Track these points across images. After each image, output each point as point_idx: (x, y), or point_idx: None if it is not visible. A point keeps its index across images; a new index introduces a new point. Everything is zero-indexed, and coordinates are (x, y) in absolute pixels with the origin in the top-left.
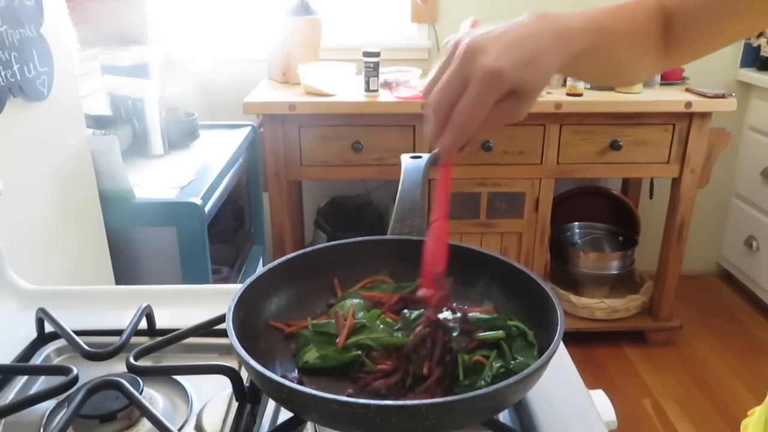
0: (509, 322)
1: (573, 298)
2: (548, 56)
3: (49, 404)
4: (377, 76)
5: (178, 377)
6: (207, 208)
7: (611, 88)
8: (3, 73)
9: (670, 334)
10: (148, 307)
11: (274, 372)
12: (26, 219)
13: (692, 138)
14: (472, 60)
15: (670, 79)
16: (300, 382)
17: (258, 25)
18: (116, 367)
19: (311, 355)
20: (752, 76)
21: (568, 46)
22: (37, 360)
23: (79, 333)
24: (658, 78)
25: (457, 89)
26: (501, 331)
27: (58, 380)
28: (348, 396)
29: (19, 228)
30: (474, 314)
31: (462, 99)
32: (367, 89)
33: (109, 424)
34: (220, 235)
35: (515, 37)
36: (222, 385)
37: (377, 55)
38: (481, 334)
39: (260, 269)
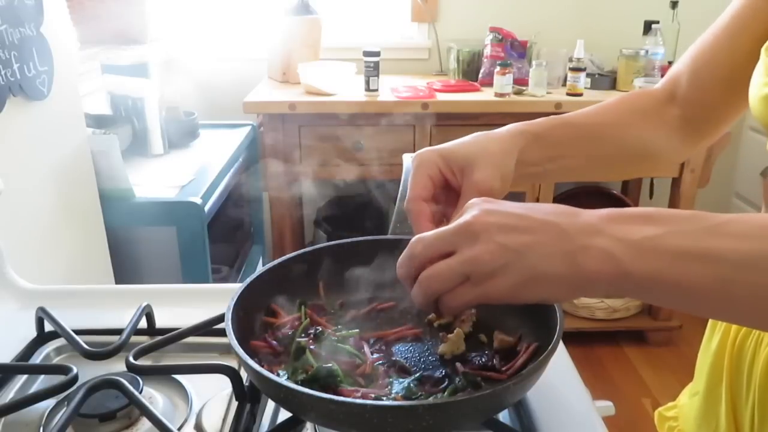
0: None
1: None
2: (554, 288)
3: (48, 403)
4: (377, 75)
5: (177, 376)
6: (207, 208)
7: (612, 88)
8: (3, 72)
9: (670, 334)
10: (148, 306)
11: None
12: (26, 218)
13: None
14: (470, 246)
15: None
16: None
17: (258, 25)
18: (116, 367)
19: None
20: None
21: (585, 284)
22: (37, 359)
23: (78, 332)
24: (658, 77)
25: (443, 254)
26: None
27: (57, 379)
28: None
29: (19, 227)
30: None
31: (440, 266)
32: (367, 89)
33: (108, 424)
34: (220, 234)
35: (521, 258)
36: (222, 385)
37: (377, 54)
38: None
39: (260, 269)
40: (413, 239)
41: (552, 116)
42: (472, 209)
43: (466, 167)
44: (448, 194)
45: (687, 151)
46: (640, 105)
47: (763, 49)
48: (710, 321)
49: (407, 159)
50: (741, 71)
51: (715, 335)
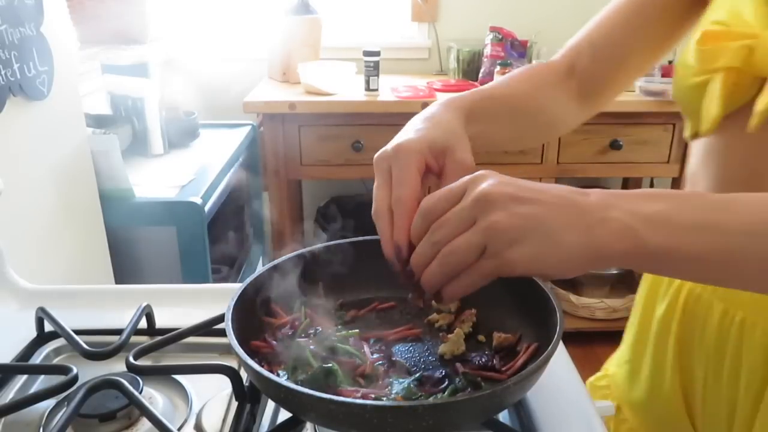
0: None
1: (573, 297)
2: (570, 260)
3: (48, 403)
4: (377, 75)
5: (177, 377)
6: (207, 208)
7: None
8: (3, 72)
9: None
10: (148, 306)
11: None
12: (26, 218)
13: None
14: (488, 215)
15: (671, 77)
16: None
17: (258, 25)
18: (116, 367)
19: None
20: None
21: (601, 256)
22: (37, 359)
23: (78, 332)
24: (658, 76)
25: (462, 231)
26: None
27: (57, 379)
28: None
29: (19, 227)
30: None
31: (458, 241)
32: (368, 88)
33: (108, 424)
34: (220, 234)
35: (538, 226)
36: (222, 385)
37: (377, 54)
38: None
39: (260, 268)
40: (433, 228)
41: (475, 90)
42: (484, 179)
43: (447, 149)
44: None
45: (581, 118)
46: (546, 77)
47: (695, 41)
48: (645, 293)
49: None
50: (635, 50)
51: (659, 305)
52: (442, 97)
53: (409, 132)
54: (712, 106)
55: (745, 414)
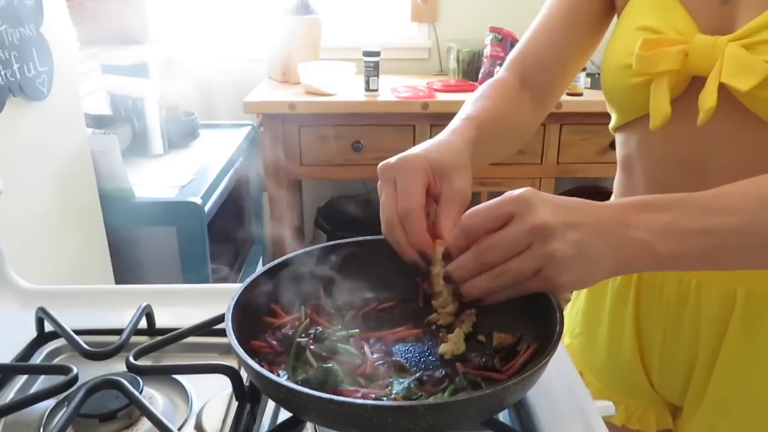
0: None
1: None
2: (602, 277)
3: (48, 403)
4: (377, 75)
5: (178, 377)
6: (207, 208)
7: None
8: (3, 73)
9: None
10: (148, 306)
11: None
12: (26, 218)
13: None
14: (546, 243)
15: None
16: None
17: (258, 25)
18: (116, 367)
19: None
20: None
21: (625, 271)
22: (37, 359)
23: (78, 332)
24: None
25: (512, 253)
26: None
27: (57, 379)
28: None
29: (19, 227)
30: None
31: (515, 263)
32: (367, 89)
33: (108, 424)
34: (220, 234)
35: (585, 252)
36: (222, 385)
37: (377, 54)
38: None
39: (260, 269)
40: (483, 249)
41: (470, 117)
42: (533, 204)
43: (447, 174)
44: None
45: (538, 125)
46: (510, 93)
47: (637, 47)
48: None
49: None
50: (575, 53)
51: (613, 279)
52: (442, 96)
53: (415, 148)
54: (662, 105)
55: (705, 362)
